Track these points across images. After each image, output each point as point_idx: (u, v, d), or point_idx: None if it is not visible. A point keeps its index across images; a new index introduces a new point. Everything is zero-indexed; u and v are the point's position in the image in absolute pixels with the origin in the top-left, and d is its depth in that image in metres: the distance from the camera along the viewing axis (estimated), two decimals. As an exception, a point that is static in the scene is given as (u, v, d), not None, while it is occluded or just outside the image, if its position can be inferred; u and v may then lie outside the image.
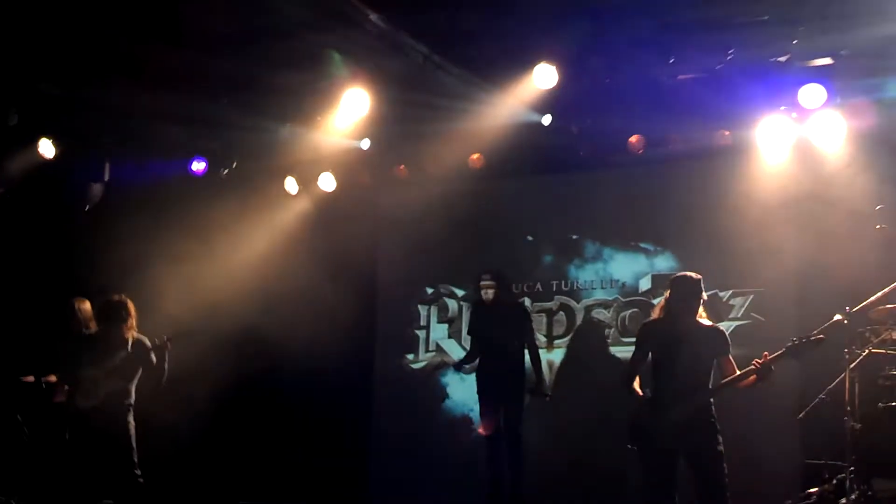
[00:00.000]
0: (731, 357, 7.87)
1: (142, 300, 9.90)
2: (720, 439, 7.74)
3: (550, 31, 9.72)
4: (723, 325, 8.98)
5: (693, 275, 8.06)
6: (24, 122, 11.60)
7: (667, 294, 8.10)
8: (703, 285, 7.96)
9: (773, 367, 7.70)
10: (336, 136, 11.79)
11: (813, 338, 7.78)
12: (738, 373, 7.79)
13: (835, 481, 8.88)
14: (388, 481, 12.22)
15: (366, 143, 12.04)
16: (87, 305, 10.41)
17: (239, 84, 10.92)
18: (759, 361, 7.71)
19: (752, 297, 11.03)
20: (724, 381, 7.82)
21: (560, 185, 11.82)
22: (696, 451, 7.76)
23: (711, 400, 7.83)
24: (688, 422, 7.72)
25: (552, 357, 12.07)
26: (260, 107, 11.37)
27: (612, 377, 10.56)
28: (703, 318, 7.98)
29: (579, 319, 12.04)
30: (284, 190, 12.62)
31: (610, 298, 11.90)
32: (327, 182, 12.50)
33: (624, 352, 11.39)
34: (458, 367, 11.33)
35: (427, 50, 9.83)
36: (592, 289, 12.01)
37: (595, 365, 11.77)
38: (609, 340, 11.83)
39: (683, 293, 7.97)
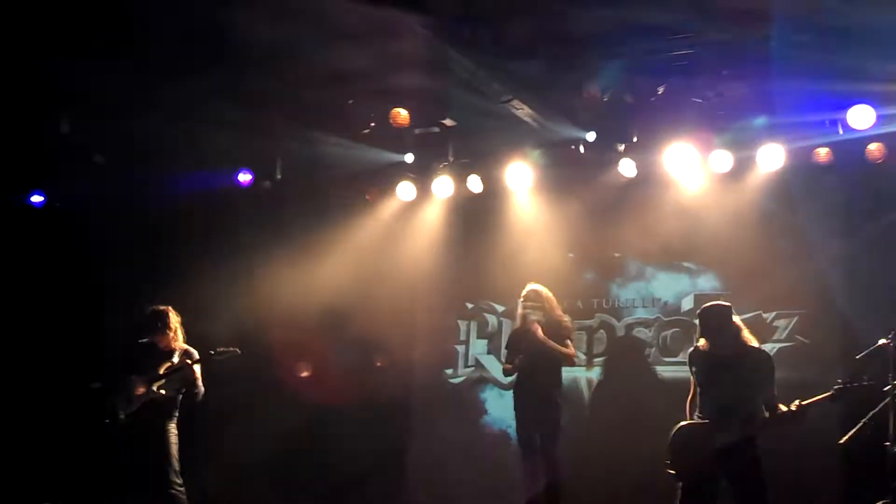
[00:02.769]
0: (774, 388, 7.82)
1: (196, 311, 9.92)
2: (761, 466, 7.70)
3: (598, 45, 9.68)
4: (767, 347, 8.93)
5: (719, 303, 8.14)
6: (75, 132, 11.67)
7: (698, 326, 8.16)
8: (731, 311, 7.95)
9: (806, 413, 7.64)
10: (382, 150, 11.81)
11: (860, 384, 7.70)
12: (779, 413, 7.76)
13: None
14: (427, 496, 12.18)
15: (409, 157, 12.04)
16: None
17: (285, 97, 10.94)
18: (803, 405, 7.67)
19: (796, 318, 10.95)
20: (766, 422, 7.75)
21: (603, 202, 11.71)
22: (740, 478, 7.72)
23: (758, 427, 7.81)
24: (731, 449, 7.68)
25: (591, 375, 12.04)
26: (307, 119, 11.40)
27: (651, 396, 10.60)
28: (750, 339, 7.95)
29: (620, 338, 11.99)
30: (327, 203, 12.65)
31: (651, 317, 11.85)
32: (371, 196, 12.54)
33: (665, 371, 11.32)
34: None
35: (473, 65, 9.81)
36: (634, 307, 11.97)
37: (633, 384, 11.71)
38: (650, 360, 11.76)
39: (711, 325, 7.97)
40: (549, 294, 10.55)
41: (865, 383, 7.74)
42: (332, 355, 12.79)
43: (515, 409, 10.55)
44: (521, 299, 10.53)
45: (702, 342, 8.20)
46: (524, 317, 10.50)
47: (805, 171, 10.59)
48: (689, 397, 8.22)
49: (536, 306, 10.45)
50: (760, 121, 10.19)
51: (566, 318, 10.57)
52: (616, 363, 12.00)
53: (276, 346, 12.52)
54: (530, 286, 10.59)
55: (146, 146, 12.10)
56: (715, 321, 8.02)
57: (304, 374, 12.72)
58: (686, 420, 8.06)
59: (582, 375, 12.07)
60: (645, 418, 10.53)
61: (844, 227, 10.65)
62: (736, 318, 8.09)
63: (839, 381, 7.79)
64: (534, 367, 10.27)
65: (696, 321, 8.33)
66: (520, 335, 10.55)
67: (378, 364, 11.03)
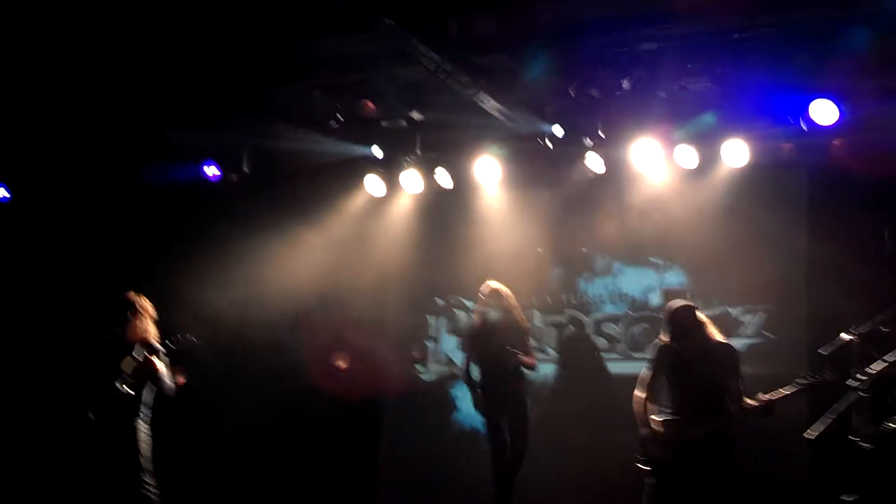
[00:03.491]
0: (739, 380, 7.82)
1: (163, 306, 9.77)
2: (732, 460, 7.70)
3: (562, 38, 9.66)
4: (733, 342, 8.91)
5: (685, 304, 8.29)
6: (36, 124, 11.57)
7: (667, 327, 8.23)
8: (696, 310, 8.01)
9: (775, 406, 7.65)
10: (348, 144, 11.74)
11: (822, 379, 7.73)
12: (745, 406, 7.78)
13: (845, 502, 8.77)
14: (397, 493, 12.16)
15: (376, 151, 11.98)
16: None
17: (250, 89, 10.90)
18: (764, 400, 7.68)
19: (762, 313, 10.95)
20: (733, 416, 7.74)
21: (570, 197, 11.73)
22: (710, 472, 7.74)
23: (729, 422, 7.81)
24: (702, 443, 7.68)
25: (561, 370, 12.06)
26: (273, 113, 11.36)
27: (619, 391, 10.56)
28: (715, 334, 7.97)
29: (589, 333, 11.98)
30: (295, 199, 12.60)
31: (620, 313, 11.86)
32: (337, 190, 12.44)
33: (634, 367, 11.27)
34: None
35: (439, 58, 9.76)
36: (602, 302, 11.98)
37: (603, 379, 11.78)
38: (618, 354, 11.76)
39: (679, 328, 8.07)
40: (509, 292, 10.58)
41: (828, 378, 7.72)
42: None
43: (484, 404, 10.57)
44: (480, 297, 10.54)
45: (666, 338, 8.19)
46: (482, 315, 10.53)
47: (769, 166, 10.58)
48: (647, 392, 8.21)
49: (495, 304, 10.48)
50: (708, 118, 10.16)
51: (524, 319, 10.66)
52: (585, 358, 11.99)
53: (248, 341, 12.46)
54: (489, 283, 10.60)
55: (111, 140, 12.04)
56: (681, 324, 8.04)
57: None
58: (642, 408, 8.04)
59: (552, 371, 12.05)
60: (613, 413, 10.50)
61: (809, 222, 10.66)
62: (700, 315, 8.09)
63: (801, 375, 7.78)
64: (498, 366, 10.36)
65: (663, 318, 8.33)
66: (476, 334, 10.55)
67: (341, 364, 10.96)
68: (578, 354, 12.07)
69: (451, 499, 11.83)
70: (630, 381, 10.26)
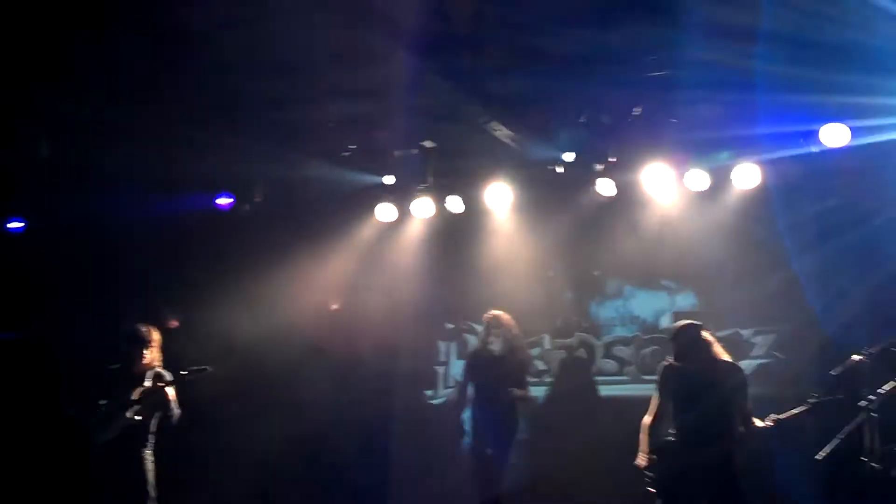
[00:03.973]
0: (748, 402, 7.84)
1: (174, 334, 9.87)
2: (740, 482, 7.72)
3: (574, 64, 9.76)
4: (744, 363, 8.96)
5: (689, 323, 8.26)
6: (54, 155, 11.65)
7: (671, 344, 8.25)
8: (700, 328, 8.05)
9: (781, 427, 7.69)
10: (360, 171, 11.85)
11: (833, 398, 7.76)
12: (754, 427, 7.79)
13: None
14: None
15: (389, 179, 12.09)
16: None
17: (264, 118, 10.98)
18: (774, 420, 7.70)
19: (774, 335, 11.02)
20: (742, 437, 7.77)
21: (582, 221, 11.78)
22: (719, 494, 7.73)
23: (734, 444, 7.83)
24: (711, 465, 7.69)
25: (571, 392, 12.08)
26: (286, 142, 11.41)
27: (633, 414, 10.61)
28: (721, 354, 7.98)
29: (599, 356, 12.03)
30: (307, 226, 12.67)
31: (630, 335, 11.91)
32: (350, 217, 12.52)
33: (644, 389, 11.32)
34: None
35: (451, 87, 9.87)
36: (613, 325, 12.04)
37: (611, 402, 11.82)
38: (629, 378, 11.83)
39: (683, 347, 8.05)
40: (511, 321, 10.70)
41: (839, 397, 7.76)
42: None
43: (473, 423, 10.83)
44: (484, 325, 10.64)
45: (673, 360, 8.23)
46: (484, 343, 10.62)
47: (780, 188, 10.65)
48: (652, 416, 8.22)
49: (498, 333, 10.58)
50: (724, 155, 10.27)
51: (525, 349, 10.88)
52: (595, 381, 12.06)
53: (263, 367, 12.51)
54: (493, 312, 10.70)
55: (126, 171, 12.06)
56: (684, 342, 8.05)
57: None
58: (643, 434, 8.07)
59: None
60: (625, 435, 10.51)
61: (820, 243, 10.71)
62: (706, 334, 8.10)
63: (813, 394, 7.80)
64: (496, 391, 10.56)
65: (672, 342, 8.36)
66: (476, 362, 10.80)
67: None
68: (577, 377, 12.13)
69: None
70: (639, 403, 10.37)
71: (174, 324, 10.75)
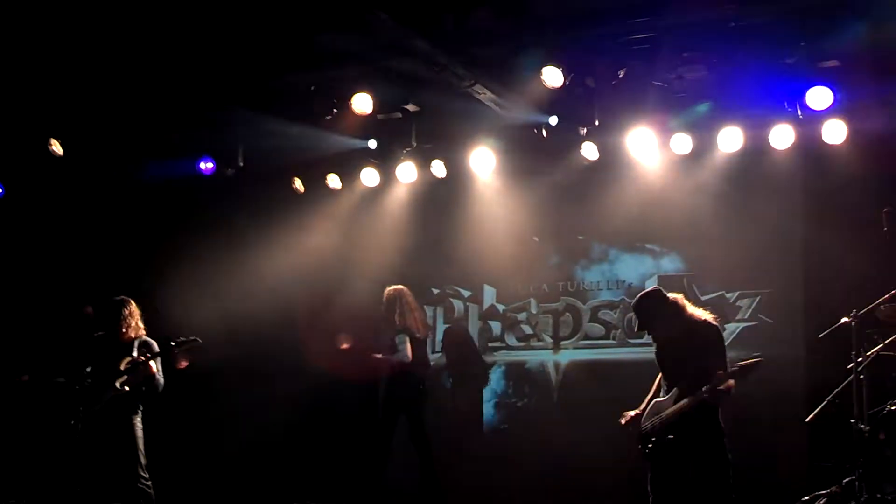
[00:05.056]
0: (724, 359, 7.76)
1: (155, 303, 9.81)
2: (723, 442, 7.68)
3: (558, 31, 9.68)
4: (730, 327, 8.95)
5: (647, 292, 8.14)
6: (33, 120, 11.61)
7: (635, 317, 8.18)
8: (660, 294, 7.96)
9: (746, 374, 7.58)
10: (344, 136, 11.72)
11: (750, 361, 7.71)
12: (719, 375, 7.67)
13: (844, 484, 8.79)
14: (395, 480, 12.15)
15: (372, 143, 11.99)
16: (91, 311, 10.39)
17: (246, 83, 10.91)
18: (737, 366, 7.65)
19: (759, 298, 10.99)
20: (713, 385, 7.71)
21: (566, 186, 11.72)
22: (701, 454, 7.71)
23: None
24: (691, 421, 7.67)
25: (558, 358, 12.08)
26: (267, 106, 11.30)
27: (617, 378, 10.64)
28: (695, 314, 7.91)
29: (586, 320, 12.02)
30: (291, 190, 12.58)
31: (616, 300, 11.90)
32: (334, 182, 12.45)
33: (630, 353, 11.35)
34: None
35: (433, 50, 9.80)
36: (599, 290, 12.02)
37: (599, 366, 11.80)
38: (615, 341, 11.83)
39: (644, 317, 8.00)
40: (409, 296, 11.08)
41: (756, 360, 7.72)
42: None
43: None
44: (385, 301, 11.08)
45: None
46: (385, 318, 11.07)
47: (764, 152, 10.58)
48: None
49: (394, 309, 10.98)
50: (703, 106, 10.22)
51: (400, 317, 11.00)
52: (582, 345, 12.04)
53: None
54: (393, 287, 11.13)
55: (107, 135, 12.04)
56: (646, 313, 7.99)
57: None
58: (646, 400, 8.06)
59: (549, 359, 12.13)
60: (612, 399, 10.51)
61: (804, 207, 10.71)
62: (673, 298, 7.98)
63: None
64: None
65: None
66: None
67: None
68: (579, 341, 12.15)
69: (450, 485, 11.77)
70: (626, 367, 10.42)
71: (89, 310, 10.70)
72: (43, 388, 10.55)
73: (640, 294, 8.16)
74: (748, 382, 7.67)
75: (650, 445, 7.83)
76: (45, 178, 12.48)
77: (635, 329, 8.22)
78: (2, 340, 12.35)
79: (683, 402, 7.66)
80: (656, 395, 7.99)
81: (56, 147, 11.94)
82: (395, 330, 10.89)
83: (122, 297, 9.63)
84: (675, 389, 7.75)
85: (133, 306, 9.56)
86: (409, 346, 10.76)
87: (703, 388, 7.52)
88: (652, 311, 7.93)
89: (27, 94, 11.16)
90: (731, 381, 7.55)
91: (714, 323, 7.90)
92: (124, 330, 9.43)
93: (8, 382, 11.74)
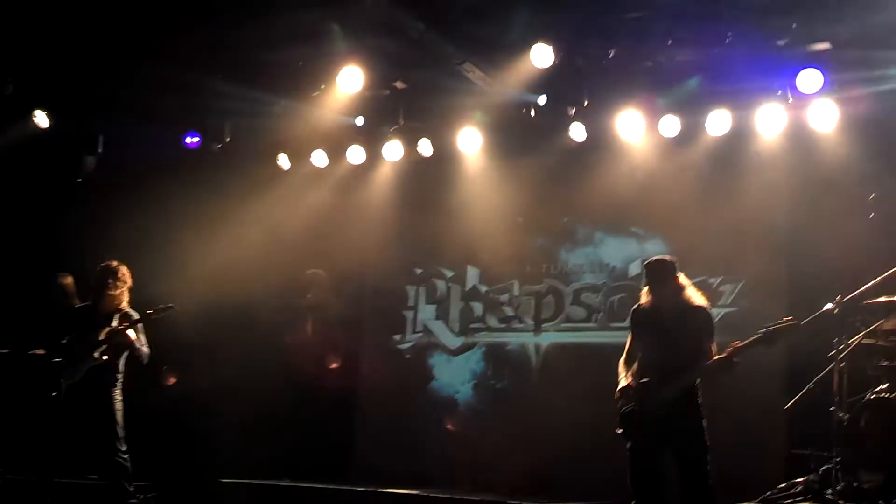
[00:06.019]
0: (712, 345, 7.75)
1: (134, 275, 9.70)
2: (704, 426, 7.65)
3: (548, 10, 9.62)
4: (713, 312, 8.86)
5: (665, 257, 8.14)
6: (18, 92, 11.53)
7: (644, 280, 8.16)
8: (676, 266, 7.94)
9: (735, 360, 7.55)
10: (330, 113, 11.68)
11: (782, 324, 7.68)
12: (714, 359, 7.66)
13: (821, 472, 8.80)
14: (376, 461, 12.16)
15: (359, 120, 11.97)
16: (69, 280, 10.33)
17: (233, 58, 10.86)
18: (729, 351, 7.60)
19: (742, 284, 10.94)
20: (705, 366, 7.68)
21: (552, 166, 11.69)
22: (680, 437, 7.68)
23: (696, 383, 7.74)
24: (672, 404, 7.63)
25: (539, 340, 12.06)
26: (254, 82, 11.26)
27: (598, 361, 10.58)
28: (692, 297, 7.91)
29: (568, 303, 11.99)
30: (277, 166, 12.58)
31: (599, 283, 11.84)
32: (320, 159, 12.43)
33: (612, 337, 11.31)
34: None
35: (423, 27, 9.75)
36: (582, 272, 11.96)
37: (581, 349, 11.75)
38: (597, 324, 11.79)
39: (656, 276, 7.98)
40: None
41: (787, 325, 7.67)
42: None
43: None
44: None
45: (644, 299, 8.14)
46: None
47: (752, 136, 10.57)
48: (624, 357, 8.08)
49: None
50: (692, 82, 10.17)
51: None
52: (563, 328, 12.00)
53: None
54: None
55: (93, 107, 12.03)
56: (660, 273, 7.98)
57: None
58: (622, 379, 8.00)
59: (530, 341, 12.09)
60: (592, 383, 10.49)
61: (791, 192, 10.66)
62: (681, 276, 8.00)
63: (764, 325, 7.71)
64: None
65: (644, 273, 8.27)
66: None
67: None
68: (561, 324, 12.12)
69: (427, 465, 11.86)
70: (607, 350, 10.34)
71: (67, 280, 10.72)
72: (22, 359, 10.44)
73: (658, 257, 8.19)
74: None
75: (637, 426, 7.77)
76: (27, 149, 12.38)
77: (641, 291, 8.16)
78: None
79: (685, 376, 7.65)
80: (637, 377, 7.89)
81: (40, 118, 11.96)
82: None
83: (107, 263, 9.52)
84: (661, 368, 7.70)
85: (119, 273, 9.43)
86: None
87: (710, 362, 7.56)
88: (663, 275, 7.92)
89: (12, 64, 11.16)
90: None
91: (709, 308, 7.97)
92: (109, 299, 9.35)
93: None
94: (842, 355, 8.67)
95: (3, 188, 12.73)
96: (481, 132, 11.56)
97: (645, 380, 7.75)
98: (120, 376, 9.32)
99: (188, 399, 12.30)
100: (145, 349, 9.30)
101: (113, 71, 11.19)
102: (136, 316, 9.31)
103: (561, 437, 11.15)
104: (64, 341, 9.37)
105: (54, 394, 9.13)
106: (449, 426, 12.14)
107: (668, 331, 7.76)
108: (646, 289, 8.09)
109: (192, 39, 10.49)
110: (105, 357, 9.15)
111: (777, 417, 9.77)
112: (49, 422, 9.29)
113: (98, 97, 11.85)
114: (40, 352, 10.06)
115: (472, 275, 12.58)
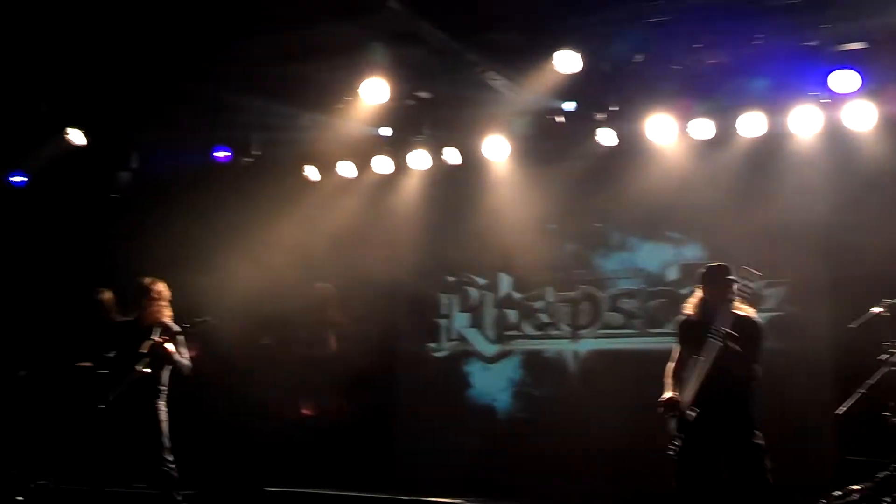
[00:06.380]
0: (760, 356, 7.72)
1: (171, 287, 9.75)
2: (758, 433, 7.60)
3: (574, 15, 9.49)
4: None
5: (722, 264, 8.01)
6: (53, 111, 11.76)
7: (698, 286, 8.03)
8: (731, 273, 7.87)
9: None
10: (357, 124, 11.65)
11: None
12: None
13: (877, 478, 8.66)
14: (414, 470, 12.12)
15: (386, 131, 11.93)
16: (108, 295, 10.40)
17: (261, 72, 10.80)
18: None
19: (785, 287, 10.79)
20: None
21: (583, 172, 11.54)
22: (735, 445, 7.60)
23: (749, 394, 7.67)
24: (725, 415, 7.50)
25: (577, 347, 11.94)
26: (282, 95, 11.25)
27: (640, 368, 10.47)
28: (742, 309, 7.80)
29: (605, 309, 11.87)
30: (305, 178, 12.57)
31: (636, 288, 11.73)
32: (348, 170, 12.40)
33: (651, 342, 11.18)
34: None
35: (447, 36, 9.65)
36: (618, 278, 11.85)
37: (619, 355, 11.66)
38: (635, 331, 11.67)
39: (712, 283, 7.90)
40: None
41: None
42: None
43: None
44: None
45: (693, 306, 8.05)
46: None
47: (787, 137, 10.38)
48: (673, 365, 8.03)
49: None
50: (761, 84, 9.99)
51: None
52: (601, 334, 11.90)
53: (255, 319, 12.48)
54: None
55: (125, 124, 12.15)
56: (716, 280, 7.90)
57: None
58: (668, 388, 7.89)
59: (568, 348, 11.98)
60: (633, 389, 10.40)
61: (828, 194, 10.47)
62: (734, 285, 7.87)
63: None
64: None
65: (697, 282, 8.16)
66: None
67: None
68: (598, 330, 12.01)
69: (468, 474, 11.77)
70: (646, 356, 10.27)
71: (107, 295, 10.76)
72: (71, 372, 10.56)
73: (716, 263, 8.11)
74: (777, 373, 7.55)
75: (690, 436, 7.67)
76: (63, 166, 12.56)
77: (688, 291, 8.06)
78: (26, 329, 12.38)
79: (739, 388, 7.62)
80: (688, 388, 7.78)
81: (75, 137, 12.09)
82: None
83: (145, 279, 9.67)
84: (715, 379, 7.58)
85: (157, 289, 9.58)
86: None
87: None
88: (719, 282, 7.86)
89: (46, 83, 11.30)
90: None
91: (760, 321, 7.98)
92: (151, 312, 9.49)
93: (33, 370, 11.80)
94: (892, 358, 8.52)
95: (41, 206, 13.02)
96: (510, 139, 11.45)
97: (699, 390, 7.65)
98: (163, 388, 9.46)
99: (232, 409, 12.33)
100: (185, 361, 9.47)
101: (144, 87, 11.26)
102: (176, 329, 9.49)
103: (603, 443, 11.06)
104: (110, 355, 9.58)
105: (101, 405, 9.20)
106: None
107: (722, 341, 7.63)
108: (698, 295, 7.99)
109: (220, 55, 10.50)
110: (148, 370, 9.27)
111: (827, 423, 9.57)
112: (97, 432, 9.40)
113: (130, 114, 11.96)
114: (88, 364, 10.24)
115: (504, 282, 12.52)
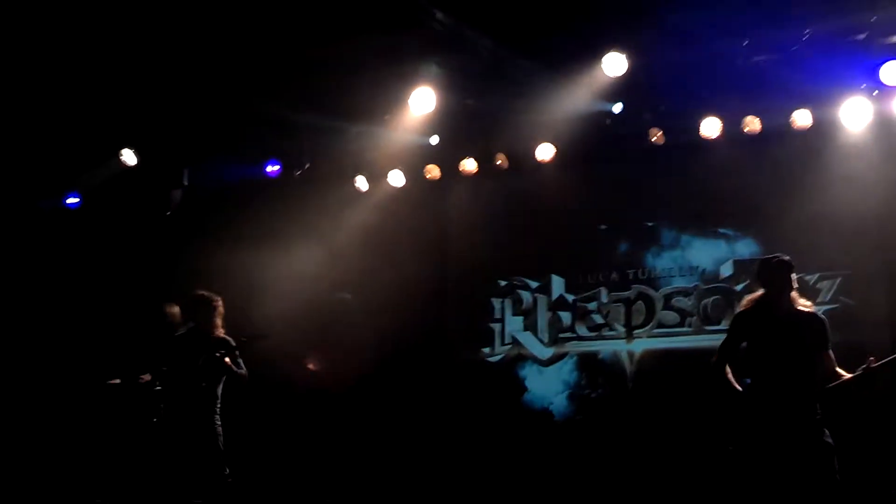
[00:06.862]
0: (830, 352, 7.52)
1: (225, 302, 9.79)
2: (827, 432, 7.37)
3: (619, 16, 9.54)
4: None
5: (782, 257, 7.68)
6: (105, 131, 11.92)
7: (756, 281, 7.79)
8: (794, 267, 7.61)
9: (877, 375, 7.20)
10: (405, 133, 11.76)
11: None
12: (845, 378, 7.39)
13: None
14: (469, 476, 12.11)
15: (434, 139, 12.01)
16: (175, 309, 10.49)
17: (309, 85, 10.93)
18: (869, 368, 7.32)
19: (840, 279, 10.72)
20: (831, 385, 7.44)
21: (633, 172, 11.62)
22: (806, 448, 7.43)
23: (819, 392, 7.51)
24: (795, 419, 7.42)
25: (632, 348, 11.93)
26: (330, 107, 11.38)
27: (696, 367, 10.44)
28: (802, 304, 7.65)
29: (659, 308, 11.86)
30: (356, 188, 12.65)
31: (690, 286, 11.69)
32: (397, 179, 12.51)
33: (708, 341, 11.16)
34: None
35: (493, 44, 9.71)
36: (671, 276, 11.81)
37: (675, 354, 11.61)
38: (691, 329, 11.63)
39: (773, 278, 7.62)
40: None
41: None
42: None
43: None
44: None
45: (746, 303, 7.74)
46: None
47: (837, 130, 10.39)
48: (723, 363, 7.72)
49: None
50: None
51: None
52: (656, 334, 11.87)
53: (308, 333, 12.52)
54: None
55: (176, 141, 12.31)
56: (779, 275, 7.54)
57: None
58: (734, 387, 7.76)
59: (623, 349, 11.97)
60: (690, 389, 10.38)
61: (881, 185, 10.44)
62: (795, 279, 7.73)
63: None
64: None
65: (754, 276, 7.88)
66: None
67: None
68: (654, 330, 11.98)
69: (525, 479, 11.77)
70: (703, 355, 10.19)
71: (173, 309, 10.82)
72: (128, 387, 10.61)
73: (778, 257, 7.70)
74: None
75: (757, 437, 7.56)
76: (119, 186, 12.77)
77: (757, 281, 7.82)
78: (89, 342, 12.51)
79: (806, 388, 7.40)
80: (753, 387, 7.66)
81: (128, 157, 12.25)
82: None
83: (199, 293, 9.65)
84: (782, 378, 7.47)
85: (213, 303, 9.54)
86: None
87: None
88: (782, 277, 7.55)
89: (98, 104, 11.40)
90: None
91: (823, 316, 7.72)
92: (200, 328, 9.47)
93: (95, 384, 11.93)
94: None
95: (98, 226, 13.18)
96: (557, 142, 11.48)
97: (762, 392, 7.51)
98: (218, 402, 9.41)
99: (280, 421, 12.37)
100: (243, 372, 9.39)
101: (194, 105, 11.39)
102: (231, 342, 9.41)
103: (660, 445, 11.07)
104: (165, 369, 9.51)
105: (154, 419, 9.33)
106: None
107: (787, 341, 7.47)
108: (760, 290, 7.74)
109: (270, 71, 10.65)
110: (203, 384, 9.25)
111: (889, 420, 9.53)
112: (153, 449, 9.43)
113: (181, 132, 12.11)
114: (146, 378, 10.11)
115: (557, 284, 12.48)
